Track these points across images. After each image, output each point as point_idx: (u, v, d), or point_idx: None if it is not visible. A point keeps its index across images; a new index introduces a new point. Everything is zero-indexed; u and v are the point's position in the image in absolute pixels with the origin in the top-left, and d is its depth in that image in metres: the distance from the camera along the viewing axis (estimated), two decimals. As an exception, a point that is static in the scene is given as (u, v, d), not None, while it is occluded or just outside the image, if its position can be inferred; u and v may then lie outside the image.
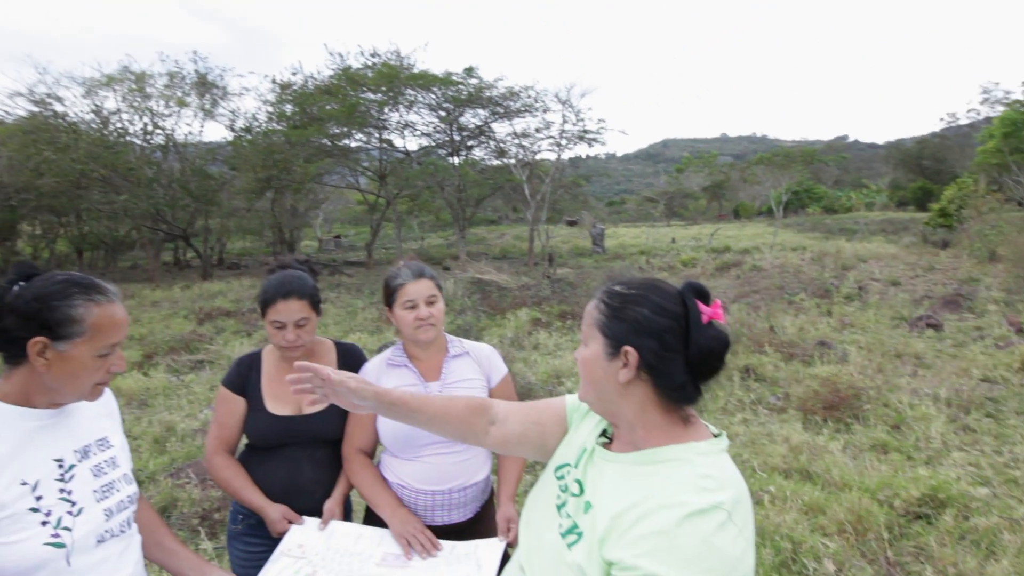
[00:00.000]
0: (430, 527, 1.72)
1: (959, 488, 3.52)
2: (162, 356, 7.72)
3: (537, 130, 21.46)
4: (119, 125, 19.82)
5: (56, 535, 1.13)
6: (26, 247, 23.57)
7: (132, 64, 20.13)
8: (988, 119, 28.07)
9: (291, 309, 1.71)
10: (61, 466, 1.18)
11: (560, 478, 1.14)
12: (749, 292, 11.29)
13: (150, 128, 20.51)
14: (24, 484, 1.12)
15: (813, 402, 5.04)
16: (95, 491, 1.22)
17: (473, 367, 1.87)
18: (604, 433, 1.15)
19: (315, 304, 1.77)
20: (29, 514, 1.11)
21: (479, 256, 21.18)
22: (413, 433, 1.74)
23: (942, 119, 71.89)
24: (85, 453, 1.24)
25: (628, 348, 0.99)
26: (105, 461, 1.28)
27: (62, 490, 1.16)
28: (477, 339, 1.90)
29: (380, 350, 1.93)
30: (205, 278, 18.92)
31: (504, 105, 20.63)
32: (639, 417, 1.02)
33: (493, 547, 1.61)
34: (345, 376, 1.23)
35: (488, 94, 20.15)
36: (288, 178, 19.77)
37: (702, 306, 0.99)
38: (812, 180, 44.15)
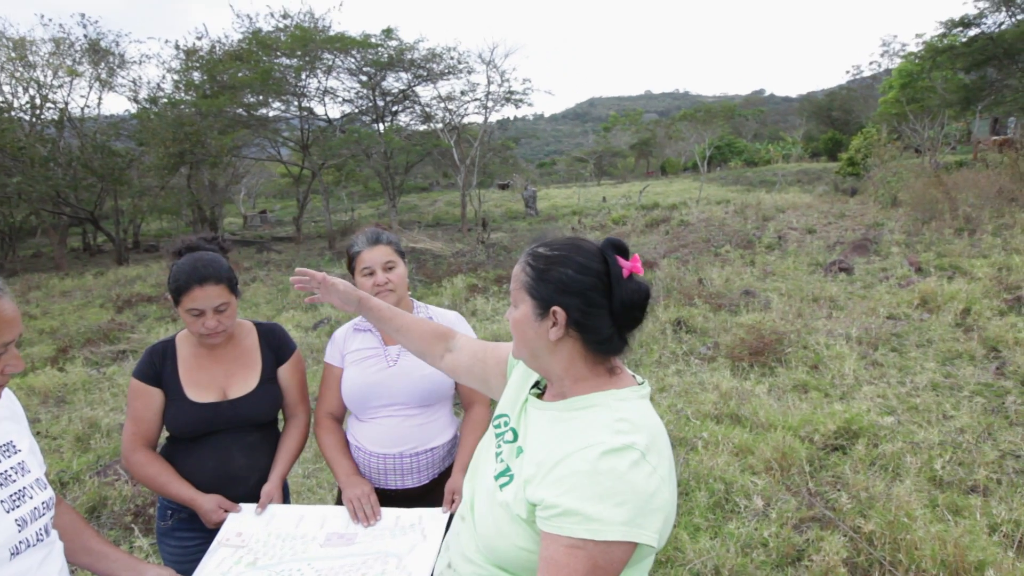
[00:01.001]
0: (385, 491, 1.73)
1: (869, 419, 3.83)
2: (78, 349, 7.24)
3: (463, 93, 21.01)
4: (0, 99, 18.00)
5: (-39, 553, 1.05)
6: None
7: (7, 28, 18.23)
8: (888, 71, 29.64)
9: (208, 295, 1.62)
10: (-41, 479, 1.10)
11: (498, 427, 1.20)
12: (678, 247, 11.66)
13: (38, 102, 18.72)
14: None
15: (740, 349, 5.31)
16: (3, 501, 1.14)
17: None
18: (537, 384, 1.22)
19: (233, 287, 1.69)
20: (-73, 534, 1.02)
21: (412, 224, 20.82)
22: (368, 393, 1.76)
23: (848, 71, 75.55)
24: (-13, 463, 1.15)
25: (556, 308, 1.04)
26: (12, 468, 1.19)
27: (-37, 505, 1.08)
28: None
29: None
30: (120, 263, 17.72)
31: (427, 68, 20.01)
32: (567, 371, 1.08)
33: (437, 518, 1.62)
34: (336, 279, 1.49)
35: (409, 56, 19.47)
36: (202, 152, 18.53)
37: (622, 261, 1.05)
38: (733, 134, 45.66)
